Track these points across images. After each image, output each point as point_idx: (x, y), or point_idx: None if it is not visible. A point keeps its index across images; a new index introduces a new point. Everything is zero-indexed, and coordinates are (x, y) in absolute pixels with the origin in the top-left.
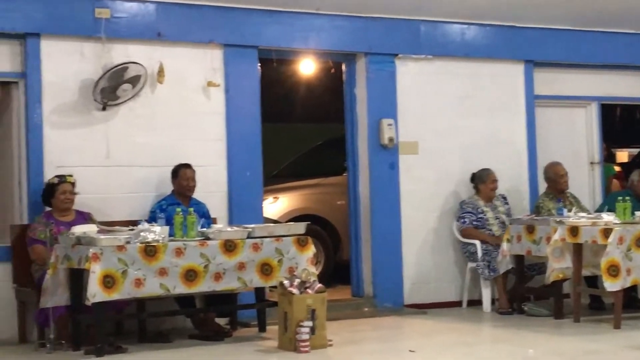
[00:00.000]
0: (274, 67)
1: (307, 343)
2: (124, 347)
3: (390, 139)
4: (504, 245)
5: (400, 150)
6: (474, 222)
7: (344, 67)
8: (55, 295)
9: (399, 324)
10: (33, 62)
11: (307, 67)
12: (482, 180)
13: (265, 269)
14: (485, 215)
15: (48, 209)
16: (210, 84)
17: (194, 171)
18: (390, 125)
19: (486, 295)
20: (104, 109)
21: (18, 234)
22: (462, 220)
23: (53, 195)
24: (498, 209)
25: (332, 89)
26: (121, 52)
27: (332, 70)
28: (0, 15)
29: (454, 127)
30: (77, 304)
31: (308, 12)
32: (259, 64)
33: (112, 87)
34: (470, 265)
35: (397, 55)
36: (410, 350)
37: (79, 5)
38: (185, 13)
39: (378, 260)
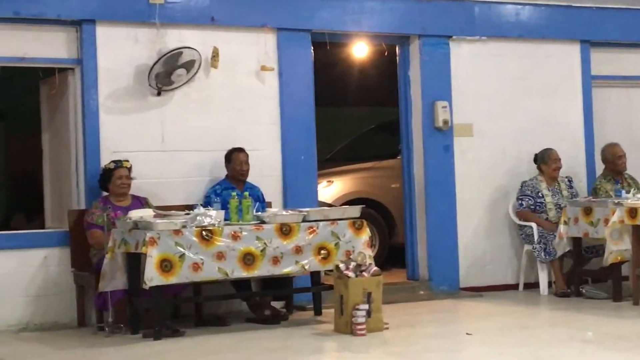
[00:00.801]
0: (327, 50)
1: (363, 326)
2: (181, 331)
3: (445, 122)
4: (561, 228)
5: (455, 133)
6: (532, 207)
7: (397, 49)
8: (114, 280)
9: (455, 307)
10: (89, 48)
11: (360, 50)
12: (543, 160)
13: (323, 253)
14: (544, 199)
15: (105, 194)
16: (263, 68)
17: (247, 155)
18: (444, 107)
19: (543, 278)
20: (158, 94)
21: (76, 218)
22: (520, 203)
23: (110, 181)
24: (562, 192)
25: (386, 72)
26: (175, 38)
27: (386, 53)
28: (57, 2)
29: (509, 108)
30: (134, 288)
31: None
32: (312, 48)
33: (167, 72)
34: (527, 247)
35: (451, 37)
36: (467, 333)
37: None
38: None
39: (433, 243)
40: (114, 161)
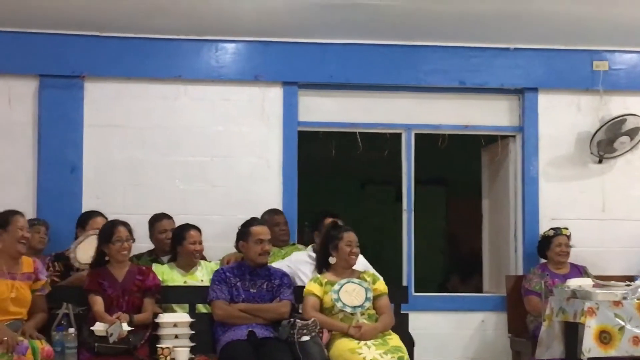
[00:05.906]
0: None
1: None
2: None
3: None
4: None
5: None
6: None
7: None
8: (550, 348)
9: None
10: (530, 115)
11: None
12: None
13: None
14: None
15: (543, 260)
16: None
17: None
18: None
19: None
20: (600, 161)
21: (513, 284)
22: None
23: (548, 248)
24: None
25: None
26: (619, 104)
27: None
28: (501, 72)
29: None
30: (571, 358)
31: None
32: None
33: (610, 140)
34: None
35: None
36: None
37: (578, 59)
38: None
39: None
40: (552, 228)
